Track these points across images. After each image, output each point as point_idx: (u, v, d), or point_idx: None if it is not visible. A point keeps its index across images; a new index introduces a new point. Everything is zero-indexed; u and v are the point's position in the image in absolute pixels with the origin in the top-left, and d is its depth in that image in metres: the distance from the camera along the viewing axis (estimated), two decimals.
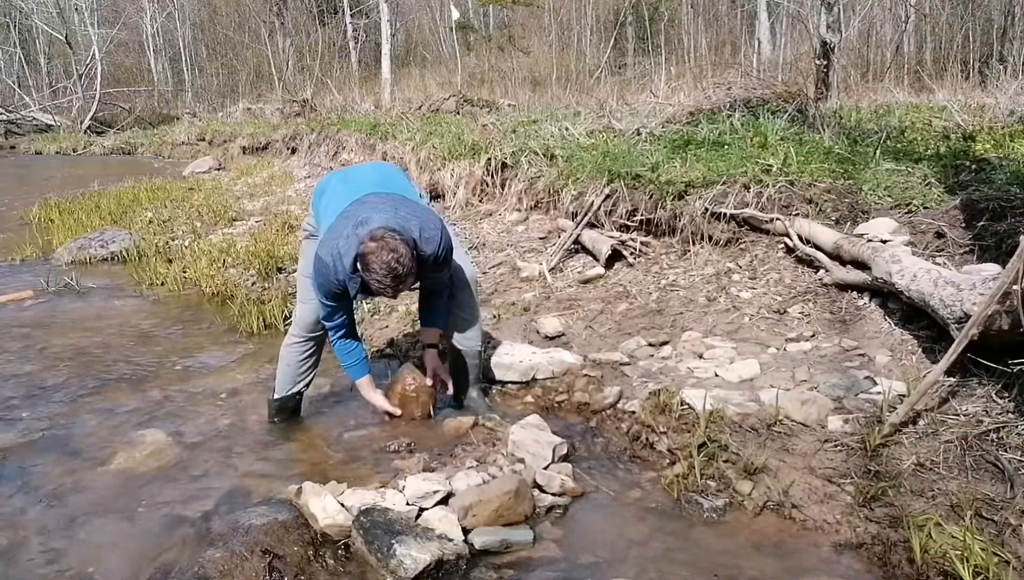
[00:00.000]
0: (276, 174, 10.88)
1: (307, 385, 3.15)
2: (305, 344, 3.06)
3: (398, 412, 3.01)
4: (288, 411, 3.13)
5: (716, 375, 3.14)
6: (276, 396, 3.12)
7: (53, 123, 23.12)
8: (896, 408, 2.56)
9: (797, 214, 4.13)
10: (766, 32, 16.07)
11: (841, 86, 9.95)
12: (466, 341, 3.14)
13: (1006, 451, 2.29)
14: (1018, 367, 2.41)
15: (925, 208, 3.87)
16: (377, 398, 3.02)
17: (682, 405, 2.86)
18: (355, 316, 3.09)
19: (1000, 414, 2.45)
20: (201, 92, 27.95)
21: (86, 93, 24.12)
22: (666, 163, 4.99)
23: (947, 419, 2.51)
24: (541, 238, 5.46)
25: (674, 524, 2.33)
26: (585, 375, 3.32)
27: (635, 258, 4.63)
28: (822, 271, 3.79)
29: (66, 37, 25.94)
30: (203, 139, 17.35)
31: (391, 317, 4.29)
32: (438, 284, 2.94)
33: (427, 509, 2.29)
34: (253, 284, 5.26)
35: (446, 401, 3.16)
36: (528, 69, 19.70)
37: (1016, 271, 2.29)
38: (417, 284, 2.90)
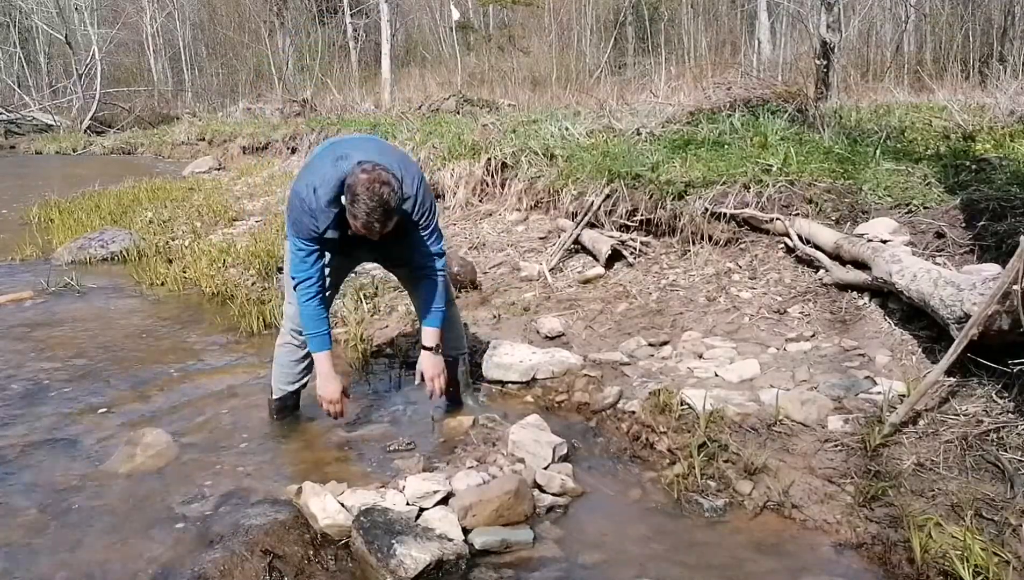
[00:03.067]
0: (276, 174, 10.88)
1: (304, 384, 3.14)
2: (296, 340, 3.02)
3: (342, 407, 2.87)
4: (289, 409, 3.13)
5: (716, 375, 3.14)
6: (275, 397, 3.12)
7: (53, 123, 23.13)
8: (896, 408, 2.56)
9: (797, 214, 4.13)
10: (766, 32, 16.07)
11: (841, 86, 9.95)
12: (449, 350, 3.12)
13: (1006, 451, 2.29)
14: (1018, 367, 2.41)
15: (925, 208, 3.87)
16: (334, 382, 2.81)
17: (682, 405, 2.86)
18: (333, 302, 3.00)
19: (1000, 414, 2.46)
20: (201, 92, 27.95)
21: (86, 93, 24.13)
22: (666, 163, 4.99)
23: (947, 419, 2.51)
24: (541, 238, 5.46)
25: (674, 524, 2.33)
26: (585, 375, 3.32)
27: (635, 258, 4.63)
28: (822, 271, 3.79)
29: (66, 37, 25.93)
30: (203, 139, 17.36)
31: (391, 317, 4.29)
32: (428, 259, 2.80)
33: (427, 509, 2.29)
34: (253, 284, 5.26)
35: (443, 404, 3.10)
36: (528, 69, 19.71)
37: (1016, 271, 2.29)
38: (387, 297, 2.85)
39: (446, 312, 2.95)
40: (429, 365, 2.92)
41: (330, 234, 2.60)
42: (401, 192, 2.44)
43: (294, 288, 2.75)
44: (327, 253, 2.78)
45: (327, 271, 2.85)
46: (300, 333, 2.97)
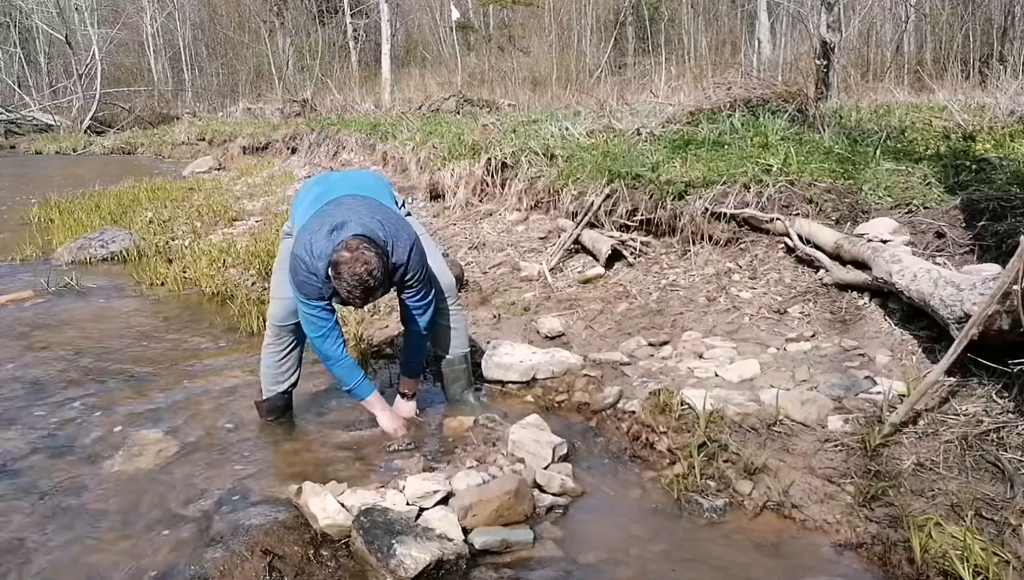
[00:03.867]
0: (276, 174, 10.88)
1: (293, 383, 3.14)
2: (279, 342, 3.04)
3: (405, 431, 2.92)
4: (279, 410, 3.13)
5: (716, 375, 3.14)
6: (263, 398, 3.13)
7: (53, 123, 23.15)
8: (896, 408, 2.56)
9: (797, 214, 4.13)
10: (766, 32, 16.08)
11: (841, 86, 9.96)
12: (452, 349, 3.13)
13: (1006, 451, 2.29)
14: (1018, 367, 2.41)
15: (925, 208, 3.87)
16: (394, 419, 2.91)
17: (682, 405, 2.86)
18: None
19: (1000, 414, 2.46)
20: (201, 92, 27.95)
21: (86, 93, 24.14)
22: (666, 163, 4.99)
23: (947, 419, 2.51)
24: (541, 238, 5.46)
25: (674, 524, 2.33)
26: (585, 375, 3.31)
27: (635, 258, 4.63)
28: (822, 271, 3.79)
29: (66, 37, 25.94)
30: (203, 139, 17.36)
31: (391, 317, 4.29)
32: (417, 309, 2.86)
33: (427, 509, 2.29)
34: (253, 284, 5.26)
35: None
36: (528, 69, 19.72)
37: (1016, 271, 2.29)
38: (390, 294, 2.88)
39: (420, 362, 3.05)
40: (404, 410, 3.02)
41: (335, 300, 2.70)
42: (385, 268, 2.49)
43: (315, 345, 2.81)
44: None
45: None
46: (284, 332, 3.01)
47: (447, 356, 3.16)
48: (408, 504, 2.30)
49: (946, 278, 2.82)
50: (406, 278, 2.73)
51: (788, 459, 2.51)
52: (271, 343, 3.06)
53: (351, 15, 24.47)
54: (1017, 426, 2.36)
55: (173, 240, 6.96)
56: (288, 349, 3.06)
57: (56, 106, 24.81)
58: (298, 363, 3.13)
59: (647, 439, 2.80)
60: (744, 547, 2.19)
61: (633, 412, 2.96)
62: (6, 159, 18.56)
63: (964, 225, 3.58)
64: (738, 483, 2.44)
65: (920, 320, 3.12)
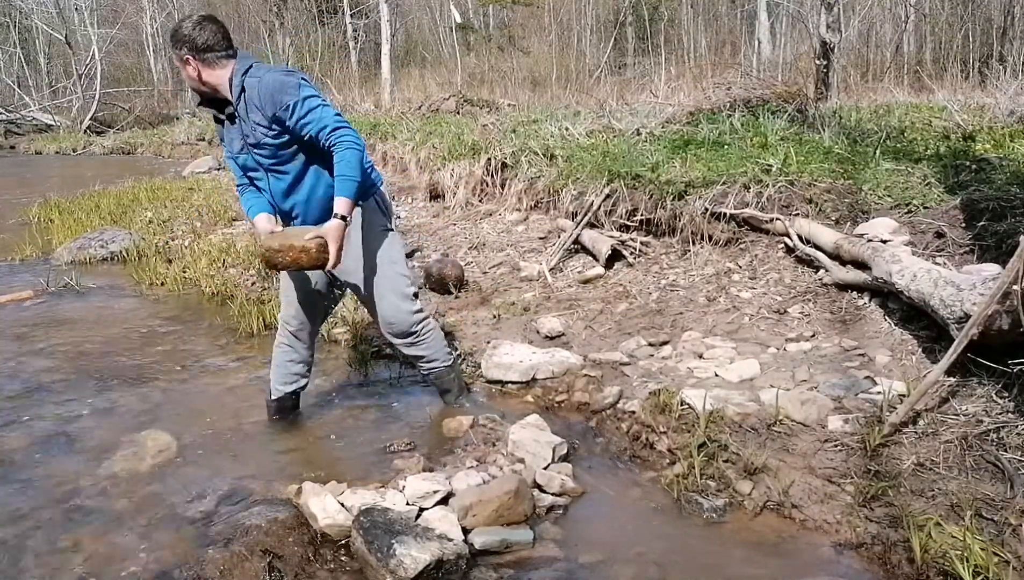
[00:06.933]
0: None
1: (302, 386, 3.15)
2: (289, 343, 3.05)
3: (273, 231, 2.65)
4: (286, 410, 3.14)
5: (716, 375, 3.14)
6: (272, 397, 3.13)
7: (53, 123, 23.16)
8: (896, 408, 2.56)
9: (797, 214, 4.13)
10: (766, 32, 16.09)
11: (841, 86, 9.96)
12: (432, 366, 3.10)
13: (1006, 451, 2.29)
14: (1018, 367, 2.41)
15: (925, 208, 3.87)
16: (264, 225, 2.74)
17: (682, 405, 2.86)
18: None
19: (1000, 414, 2.46)
20: None
21: (86, 93, 24.14)
22: (666, 163, 4.99)
23: (947, 419, 2.51)
24: (541, 238, 5.46)
25: (674, 524, 2.33)
26: (585, 375, 3.31)
27: (635, 258, 4.63)
28: (822, 271, 3.79)
29: (66, 37, 25.94)
30: (203, 139, 17.35)
31: None
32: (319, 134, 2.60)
33: (427, 509, 2.29)
34: (253, 284, 5.26)
35: None
36: (528, 69, 19.72)
37: (1016, 271, 2.29)
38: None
39: (350, 182, 2.56)
40: (329, 230, 2.55)
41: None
42: (178, 31, 2.77)
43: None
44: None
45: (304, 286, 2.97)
46: (294, 333, 3.01)
47: (434, 371, 3.13)
48: (408, 504, 2.31)
49: (946, 278, 2.82)
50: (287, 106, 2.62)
51: (788, 459, 2.51)
52: (282, 343, 3.07)
53: (351, 15, 24.47)
54: (1017, 426, 2.36)
55: (173, 240, 6.95)
56: (299, 350, 3.07)
57: (56, 106, 24.83)
58: (309, 365, 3.14)
59: (647, 439, 2.80)
60: (744, 547, 2.19)
61: (633, 412, 2.96)
62: (6, 159, 18.57)
63: (964, 225, 3.58)
64: (738, 483, 2.44)
65: (920, 320, 3.12)
